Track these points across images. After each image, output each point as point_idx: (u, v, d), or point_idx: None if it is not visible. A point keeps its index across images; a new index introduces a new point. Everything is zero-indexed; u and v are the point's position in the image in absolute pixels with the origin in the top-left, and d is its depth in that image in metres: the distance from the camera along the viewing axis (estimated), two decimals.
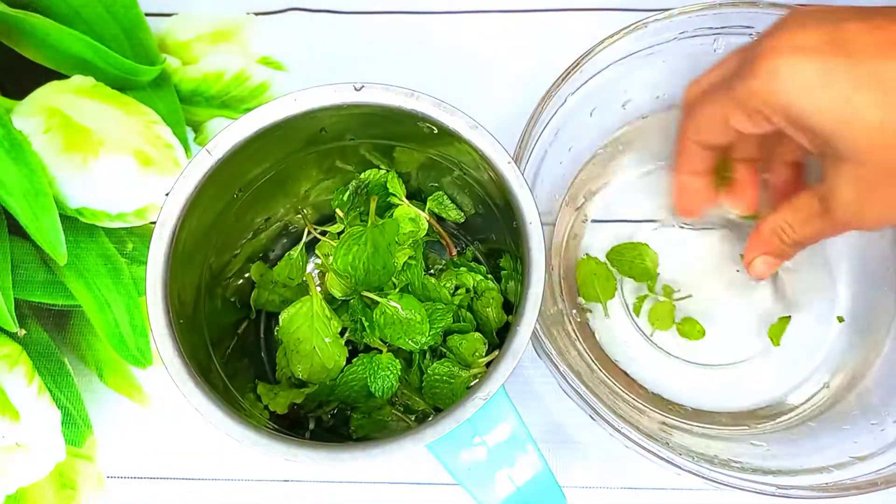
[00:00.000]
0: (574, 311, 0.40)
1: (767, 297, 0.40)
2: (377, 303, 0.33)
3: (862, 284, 0.40)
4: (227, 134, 0.29)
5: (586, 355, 0.39)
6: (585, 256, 0.39)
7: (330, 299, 0.35)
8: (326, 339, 0.33)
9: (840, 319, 0.39)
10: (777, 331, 0.39)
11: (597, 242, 0.41)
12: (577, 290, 0.40)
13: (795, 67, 0.26)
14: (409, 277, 0.35)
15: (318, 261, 0.38)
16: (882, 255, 0.40)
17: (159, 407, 0.40)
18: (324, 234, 0.37)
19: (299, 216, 0.38)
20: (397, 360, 0.33)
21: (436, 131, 0.30)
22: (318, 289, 0.35)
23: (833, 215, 0.28)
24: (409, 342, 0.33)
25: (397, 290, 0.34)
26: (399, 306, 0.32)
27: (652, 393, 0.39)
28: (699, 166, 0.34)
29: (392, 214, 0.35)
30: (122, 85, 0.45)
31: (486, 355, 0.34)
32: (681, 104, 0.34)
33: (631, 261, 0.39)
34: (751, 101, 0.28)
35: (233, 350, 0.35)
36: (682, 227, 0.41)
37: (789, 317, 0.39)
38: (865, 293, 0.40)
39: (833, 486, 0.31)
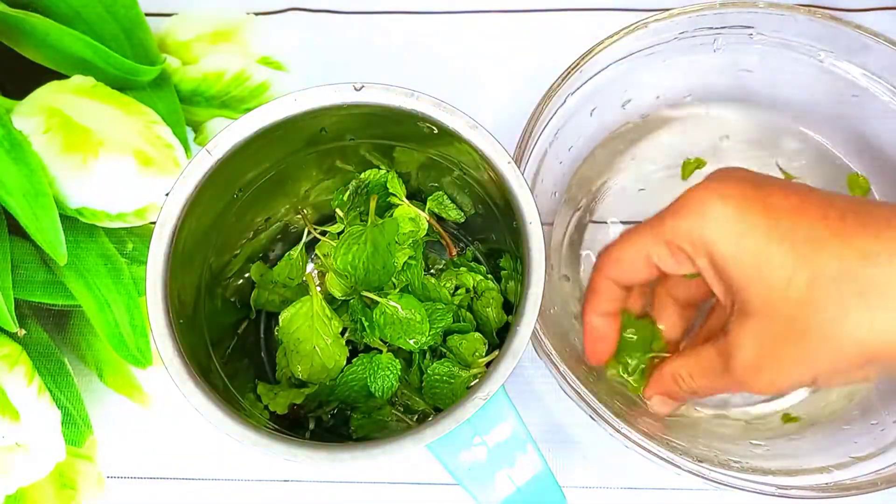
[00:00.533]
0: (574, 311, 0.40)
1: None
2: (377, 303, 0.33)
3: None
4: (227, 134, 0.29)
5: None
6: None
7: (330, 299, 0.35)
8: (326, 339, 0.33)
9: None
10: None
11: (597, 242, 0.41)
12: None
13: (722, 212, 0.27)
14: (409, 277, 0.35)
15: (318, 261, 0.38)
16: None
17: (159, 407, 0.40)
18: (324, 234, 0.37)
19: (299, 216, 0.38)
20: (397, 360, 0.33)
21: (436, 131, 0.30)
22: (318, 289, 0.35)
23: (730, 373, 0.28)
24: (409, 342, 0.33)
25: (397, 290, 0.34)
26: (399, 306, 0.32)
27: None
28: (611, 306, 0.33)
29: (392, 214, 0.35)
30: (122, 85, 0.45)
31: (486, 355, 0.34)
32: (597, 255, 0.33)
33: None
34: (676, 238, 0.28)
35: (233, 350, 0.35)
36: None
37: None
38: None
39: (833, 486, 0.31)
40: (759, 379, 0.27)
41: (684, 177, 0.41)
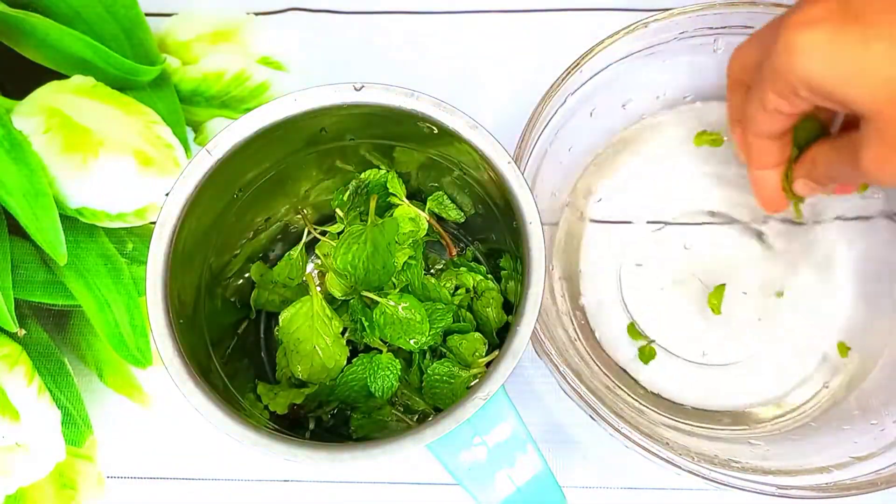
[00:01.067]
0: (574, 311, 0.40)
1: (768, 298, 0.40)
2: (377, 303, 0.33)
3: (862, 285, 0.40)
4: (227, 134, 0.29)
5: (586, 355, 0.39)
6: None
7: (330, 299, 0.35)
8: (327, 339, 0.33)
9: (842, 348, 0.39)
10: (716, 299, 0.39)
11: (597, 242, 0.41)
12: (578, 289, 0.40)
13: (808, 39, 0.27)
14: (409, 277, 0.35)
15: (318, 261, 0.38)
16: (883, 256, 0.40)
17: (159, 407, 0.40)
18: (324, 234, 0.37)
19: (299, 216, 0.38)
20: (397, 360, 0.33)
21: (436, 131, 0.30)
22: (318, 289, 0.35)
23: (859, 165, 0.29)
24: (409, 342, 0.33)
25: (397, 290, 0.34)
26: (399, 306, 0.32)
27: (652, 393, 0.39)
28: (771, 159, 0.34)
29: (392, 214, 0.35)
30: (122, 85, 0.45)
31: (486, 355, 0.34)
32: (726, 81, 0.34)
33: None
34: (777, 82, 0.29)
35: (233, 350, 0.35)
36: (683, 225, 0.41)
37: (724, 285, 0.40)
38: (866, 294, 0.40)
39: (833, 486, 0.31)
40: (885, 170, 0.28)
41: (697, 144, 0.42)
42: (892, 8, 0.26)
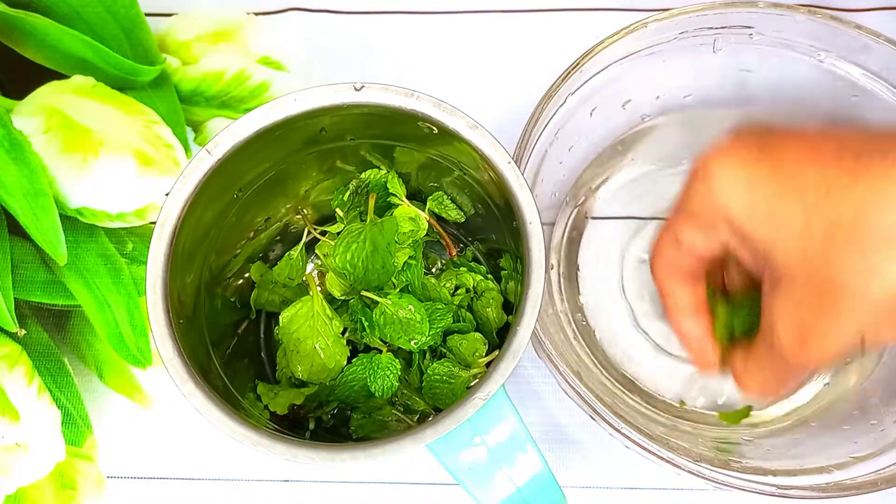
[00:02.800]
0: (574, 310, 0.40)
1: None
2: (377, 303, 0.33)
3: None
4: (227, 134, 0.29)
5: (586, 355, 0.39)
6: None
7: (330, 299, 0.35)
8: (327, 339, 0.33)
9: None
10: (735, 417, 0.38)
11: (597, 242, 0.41)
12: (577, 289, 0.40)
13: (729, 175, 0.25)
14: (409, 277, 0.35)
15: (318, 261, 0.38)
16: None
17: (159, 407, 0.40)
18: (324, 234, 0.37)
19: (299, 216, 0.38)
20: (397, 360, 0.33)
21: (436, 131, 0.30)
22: (319, 289, 0.35)
23: (781, 356, 0.26)
24: (409, 342, 0.33)
25: (397, 290, 0.34)
26: (399, 306, 0.32)
27: (651, 393, 0.39)
28: (685, 299, 0.30)
29: (392, 214, 0.35)
30: (122, 85, 0.45)
31: (486, 355, 0.34)
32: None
33: None
34: (694, 212, 0.27)
35: (233, 350, 0.35)
36: None
37: (750, 407, 0.38)
38: None
39: (833, 486, 0.31)
40: (807, 353, 0.25)
41: None
42: (812, 156, 0.24)
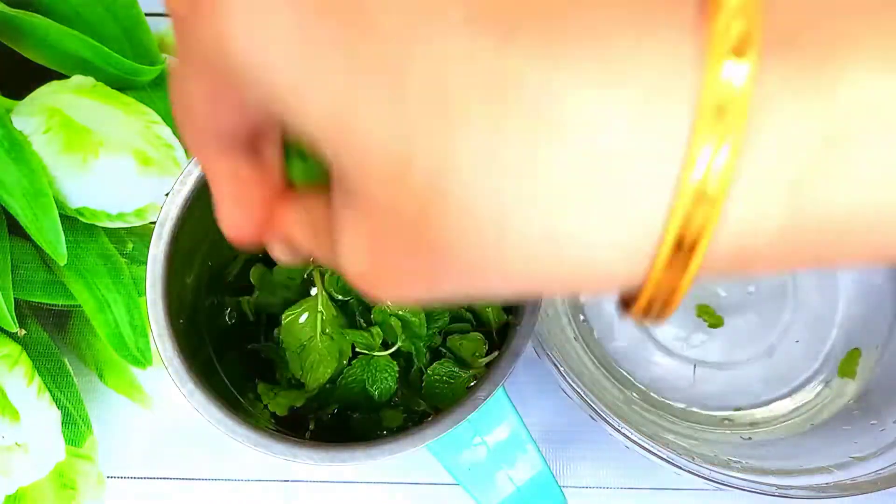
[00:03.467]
0: (574, 310, 0.40)
1: (768, 298, 0.40)
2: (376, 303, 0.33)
3: (864, 283, 0.40)
4: None
5: (586, 355, 0.39)
6: None
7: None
8: (328, 340, 0.33)
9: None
10: (848, 366, 0.38)
11: None
12: None
13: (258, 11, 0.12)
14: None
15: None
16: None
17: (159, 407, 0.40)
18: None
19: None
20: (395, 362, 0.33)
21: None
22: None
23: (342, 268, 0.15)
24: (408, 342, 0.33)
25: None
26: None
27: (651, 393, 0.39)
28: (219, 175, 0.17)
29: None
30: (122, 85, 0.45)
31: (486, 355, 0.34)
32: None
33: None
34: (197, 58, 0.14)
35: (233, 350, 0.34)
36: None
37: (859, 350, 0.38)
38: (867, 292, 0.40)
39: (833, 486, 0.31)
40: (378, 293, 0.15)
41: None
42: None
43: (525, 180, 0.12)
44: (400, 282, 0.14)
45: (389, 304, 0.14)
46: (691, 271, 0.12)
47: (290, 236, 0.17)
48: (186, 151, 0.44)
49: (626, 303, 0.14)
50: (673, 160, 0.11)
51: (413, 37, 0.11)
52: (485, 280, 0.13)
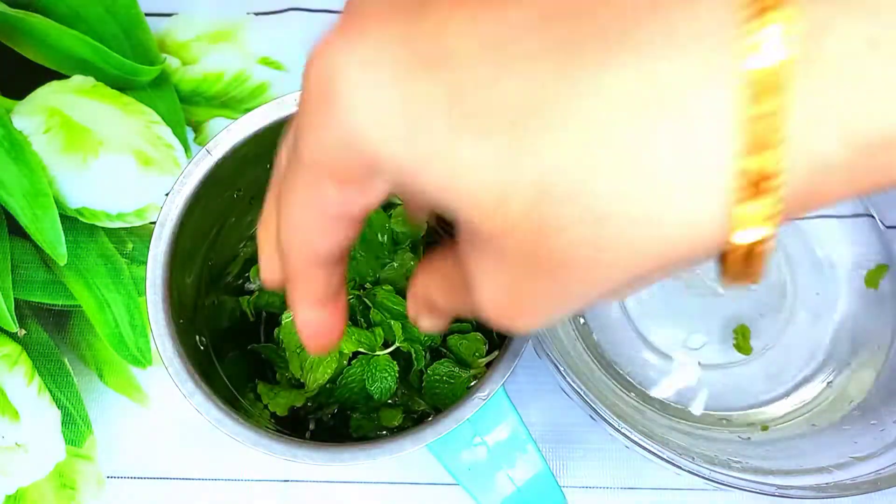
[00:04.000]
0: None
1: (768, 297, 0.40)
2: (375, 302, 0.33)
3: (863, 284, 0.40)
4: (227, 134, 0.29)
5: (586, 355, 0.39)
6: None
7: None
8: None
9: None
10: (875, 276, 0.37)
11: None
12: None
13: (367, 94, 0.14)
14: (409, 277, 0.35)
15: None
16: (884, 253, 0.40)
17: (159, 407, 0.40)
18: None
19: None
20: (394, 362, 0.33)
21: None
22: None
23: (482, 310, 0.17)
24: (408, 342, 0.33)
25: (394, 290, 0.34)
26: (393, 304, 0.33)
27: (651, 393, 0.39)
28: (326, 288, 0.19)
29: (391, 214, 0.35)
30: (122, 85, 0.45)
31: (486, 355, 0.34)
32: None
33: None
34: (327, 160, 0.15)
35: (233, 350, 0.35)
36: None
37: (886, 266, 0.37)
38: (866, 293, 0.40)
39: (833, 486, 0.31)
40: (520, 323, 0.16)
41: None
42: (493, 52, 0.13)
43: (622, 168, 0.13)
44: (538, 306, 0.16)
45: (528, 330, 0.16)
46: (774, 211, 0.13)
47: (432, 300, 0.20)
48: (187, 151, 0.44)
49: (724, 266, 0.14)
50: (733, 98, 0.12)
51: (496, 72, 0.13)
52: (608, 279, 0.14)
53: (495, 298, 0.16)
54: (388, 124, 0.14)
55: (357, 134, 0.14)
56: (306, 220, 0.17)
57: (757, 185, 0.12)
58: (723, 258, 0.14)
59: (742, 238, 0.13)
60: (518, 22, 0.13)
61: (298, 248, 0.18)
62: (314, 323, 0.20)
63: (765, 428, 0.38)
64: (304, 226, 0.18)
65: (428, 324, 0.21)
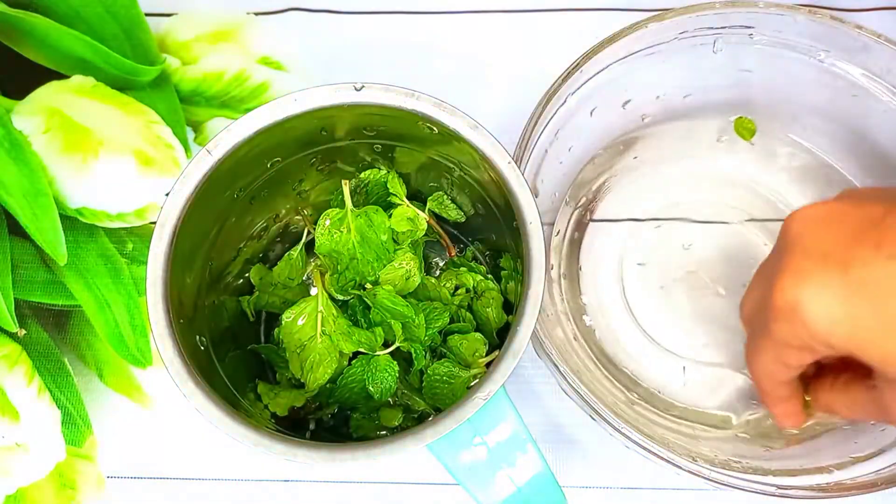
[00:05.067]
0: (574, 310, 0.40)
1: None
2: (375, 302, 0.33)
3: None
4: (227, 134, 0.29)
5: (587, 355, 0.39)
6: None
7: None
8: (329, 340, 0.33)
9: None
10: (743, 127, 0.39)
11: (597, 242, 0.41)
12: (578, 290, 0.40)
13: (820, 309, 0.25)
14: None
15: (318, 261, 0.38)
16: None
17: (159, 407, 0.40)
18: None
19: (299, 216, 0.38)
20: (395, 362, 0.33)
21: (436, 131, 0.30)
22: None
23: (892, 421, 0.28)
24: (408, 342, 0.33)
25: (394, 290, 0.34)
26: (394, 303, 0.33)
27: (652, 392, 0.39)
28: (791, 398, 0.32)
29: (391, 215, 0.35)
30: (122, 85, 0.45)
31: (486, 355, 0.34)
32: (740, 319, 0.33)
33: None
34: (793, 344, 0.27)
35: (233, 350, 0.35)
36: (684, 224, 0.41)
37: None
38: None
39: (833, 486, 0.31)
40: None
41: (746, 138, 0.41)
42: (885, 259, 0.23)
43: None
44: None
45: None
46: None
47: (834, 409, 0.31)
48: (187, 151, 0.44)
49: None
50: None
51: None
52: None
53: None
54: (839, 323, 0.24)
55: (818, 329, 0.25)
56: (772, 366, 0.29)
57: None
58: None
59: None
60: None
61: (768, 379, 0.30)
62: (781, 413, 0.32)
63: (765, 428, 0.38)
64: (770, 369, 0.29)
65: (802, 424, 0.33)
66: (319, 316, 0.33)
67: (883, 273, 0.23)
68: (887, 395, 0.26)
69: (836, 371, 0.31)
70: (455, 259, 0.38)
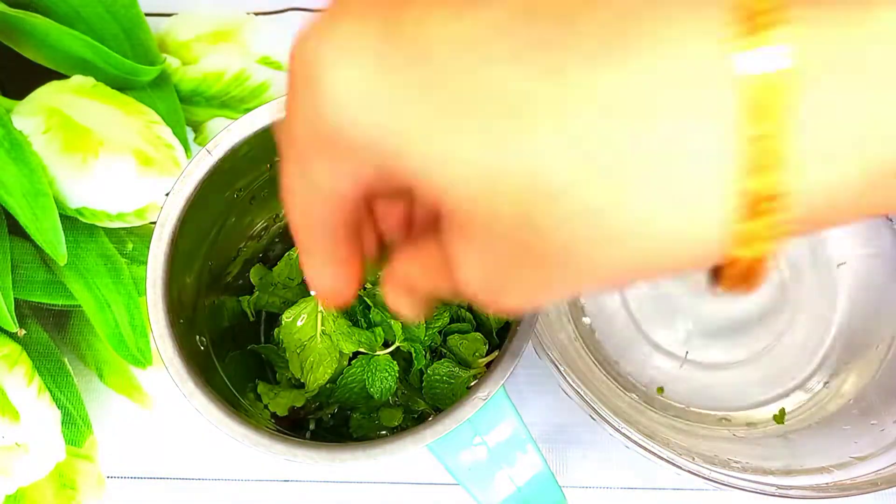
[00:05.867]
0: (574, 310, 0.40)
1: (768, 297, 0.40)
2: (375, 302, 0.33)
3: (864, 283, 0.40)
4: (227, 134, 0.29)
5: (586, 355, 0.39)
6: None
7: None
8: (329, 340, 0.33)
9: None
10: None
11: None
12: None
13: (351, 80, 0.14)
14: None
15: None
16: (885, 253, 0.40)
17: (159, 407, 0.40)
18: None
19: None
20: (394, 362, 0.33)
21: None
22: None
23: (464, 290, 0.17)
24: (408, 342, 0.33)
25: None
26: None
27: (651, 393, 0.39)
28: (337, 261, 0.20)
29: None
30: (122, 85, 0.45)
31: (486, 355, 0.34)
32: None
33: None
34: (313, 137, 0.16)
35: (233, 350, 0.35)
36: None
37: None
38: (867, 292, 0.40)
39: (833, 486, 0.31)
40: (500, 306, 0.16)
41: None
42: (481, 41, 0.13)
43: (613, 173, 0.12)
44: (522, 290, 0.16)
45: (510, 313, 0.18)
46: (775, 232, 0.13)
47: (412, 282, 0.20)
48: (187, 151, 0.44)
49: (716, 275, 0.15)
50: (731, 112, 0.12)
51: (475, 66, 0.13)
52: (594, 276, 0.14)
53: (479, 277, 0.16)
54: (372, 105, 0.14)
55: (340, 111, 0.15)
56: (301, 195, 0.19)
57: (757, 206, 0.12)
58: (720, 268, 0.14)
59: (741, 253, 0.13)
60: (499, 20, 0.13)
61: (301, 220, 0.20)
62: (320, 283, 0.21)
63: (765, 428, 0.38)
64: (300, 201, 0.19)
65: (408, 309, 0.21)
66: (319, 316, 0.33)
67: (436, 35, 0.13)
68: (447, 237, 0.16)
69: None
70: None
